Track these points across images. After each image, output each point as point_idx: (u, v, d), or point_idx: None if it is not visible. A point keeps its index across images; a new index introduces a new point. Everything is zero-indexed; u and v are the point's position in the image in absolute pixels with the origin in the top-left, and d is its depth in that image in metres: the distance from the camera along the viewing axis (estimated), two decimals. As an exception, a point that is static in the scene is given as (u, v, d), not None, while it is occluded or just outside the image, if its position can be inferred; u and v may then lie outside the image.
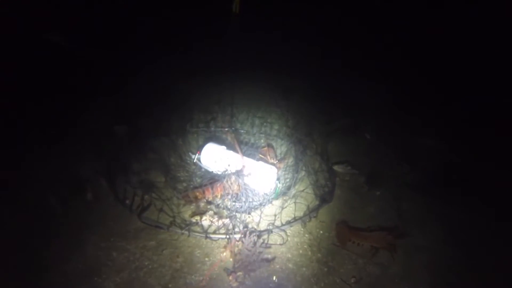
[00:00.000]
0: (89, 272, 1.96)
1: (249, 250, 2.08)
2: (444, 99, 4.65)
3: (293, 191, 2.74)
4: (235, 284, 1.97)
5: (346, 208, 2.71)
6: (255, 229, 2.32)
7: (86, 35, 5.47)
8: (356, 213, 2.67)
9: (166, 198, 2.56)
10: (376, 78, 5.11)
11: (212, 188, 2.60)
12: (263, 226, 2.39)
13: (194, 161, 3.02)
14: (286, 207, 2.60)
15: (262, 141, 3.55)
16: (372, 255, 2.25)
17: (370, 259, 2.23)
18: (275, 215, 2.50)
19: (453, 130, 4.00)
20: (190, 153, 3.15)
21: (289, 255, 2.20)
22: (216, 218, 2.41)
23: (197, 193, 2.58)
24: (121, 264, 2.02)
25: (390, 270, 2.19)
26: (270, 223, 2.42)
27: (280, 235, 2.34)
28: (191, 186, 2.78)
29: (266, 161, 2.99)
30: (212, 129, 3.69)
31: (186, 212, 2.48)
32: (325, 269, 2.14)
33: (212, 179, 2.73)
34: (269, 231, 2.32)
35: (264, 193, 2.74)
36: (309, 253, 2.25)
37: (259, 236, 2.21)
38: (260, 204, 2.62)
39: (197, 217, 2.41)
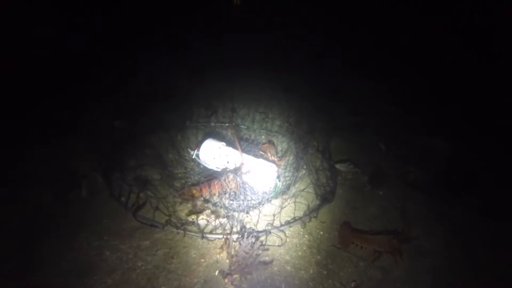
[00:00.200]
0: (80, 273, 1.90)
1: (247, 253, 2.00)
2: (444, 100, 4.62)
3: (293, 190, 2.66)
4: (231, 287, 1.90)
5: (348, 208, 2.63)
6: (253, 229, 2.25)
7: (86, 35, 5.56)
8: (358, 214, 2.59)
9: (162, 196, 2.49)
10: (377, 78, 5.07)
11: (209, 186, 2.53)
12: (261, 226, 2.32)
13: (193, 157, 2.94)
14: (285, 206, 2.52)
15: (263, 137, 3.47)
16: (375, 259, 2.17)
17: (372, 263, 2.15)
18: (274, 215, 2.42)
19: (455, 130, 3.93)
20: (189, 149, 3.07)
21: (288, 257, 2.13)
22: (213, 217, 2.34)
23: (194, 191, 2.51)
24: (113, 264, 1.96)
25: (392, 274, 2.11)
26: (269, 223, 2.35)
27: (279, 236, 2.27)
28: (189, 183, 2.71)
29: (267, 158, 2.91)
30: (212, 124, 3.62)
31: (183, 210, 2.41)
32: (325, 272, 2.07)
33: (210, 177, 2.66)
34: (267, 232, 2.24)
35: (263, 192, 2.66)
36: (309, 255, 2.17)
37: (257, 238, 2.14)
38: (259, 203, 2.55)
39: (194, 216, 2.34)
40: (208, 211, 2.38)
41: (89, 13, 6.28)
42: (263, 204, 2.52)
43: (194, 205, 2.43)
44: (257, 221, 2.34)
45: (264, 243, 2.18)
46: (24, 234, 2.13)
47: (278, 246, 2.20)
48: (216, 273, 1.97)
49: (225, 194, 2.53)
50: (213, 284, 1.92)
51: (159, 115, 3.66)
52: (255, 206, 2.51)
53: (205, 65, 5.20)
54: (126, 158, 2.89)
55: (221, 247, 2.12)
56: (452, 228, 2.52)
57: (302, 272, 2.05)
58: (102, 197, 2.50)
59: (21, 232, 2.14)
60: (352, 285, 2.02)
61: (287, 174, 2.91)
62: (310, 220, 2.42)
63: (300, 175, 2.83)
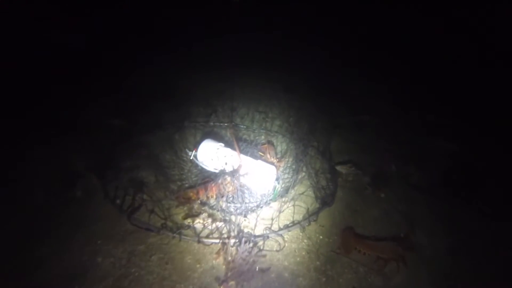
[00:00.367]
0: (71, 277, 1.84)
1: (244, 259, 1.94)
2: (444, 100, 4.59)
3: (292, 193, 2.59)
4: (226, 295, 1.84)
5: (348, 212, 2.56)
6: (251, 234, 2.19)
7: (86, 35, 5.60)
8: (359, 217, 2.52)
9: (158, 199, 2.43)
10: (377, 78, 5.03)
11: (206, 188, 2.47)
12: (259, 230, 2.25)
13: (191, 158, 2.88)
14: (284, 210, 2.45)
15: (262, 137, 3.40)
16: (380, 266, 2.09)
17: (377, 271, 2.08)
18: (272, 219, 2.36)
19: (455, 130, 3.89)
20: (187, 150, 3.01)
21: (286, 263, 2.06)
22: (210, 221, 2.27)
23: (191, 194, 2.44)
24: (105, 270, 1.90)
25: (393, 281, 2.05)
26: (267, 227, 2.28)
27: (277, 241, 2.20)
28: (186, 185, 2.65)
29: (266, 160, 2.85)
30: (211, 123, 3.56)
31: (179, 214, 2.35)
32: (324, 279, 2.00)
33: (207, 179, 2.60)
34: (265, 237, 2.18)
35: (262, 194, 2.60)
36: (307, 260, 2.10)
37: (254, 244, 2.08)
38: (257, 206, 2.48)
39: (190, 220, 2.28)
40: (204, 215, 2.32)
41: (89, 13, 6.29)
42: (261, 208, 2.46)
43: (191, 208, 2.37)
44: (255, 225, 2.28)
45: (261, 248, 2.12)
46: (15, 238, 2.08)
47: (276, 251, 2.13)
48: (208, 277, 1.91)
49: (222, 196, 2.46)
50: (208, 291, 1.86)
51: (158, 114, 3.63)
52: (253, 209, 2.44)
53: (205, 65, 5.17)
54: (122, 159, 2.84)
55: (218, 252, 2.06)
56: (455, 232, 2.46)
57: (300, 279, 1.98)
58: (97, 198, 2.45)
59: (12, 236, 2.10)
60: (352, 292, 1.96)
61: (286, 176, 2.84)
62: (309, 224, 2.35)
63: (299, 177, 2.77)
